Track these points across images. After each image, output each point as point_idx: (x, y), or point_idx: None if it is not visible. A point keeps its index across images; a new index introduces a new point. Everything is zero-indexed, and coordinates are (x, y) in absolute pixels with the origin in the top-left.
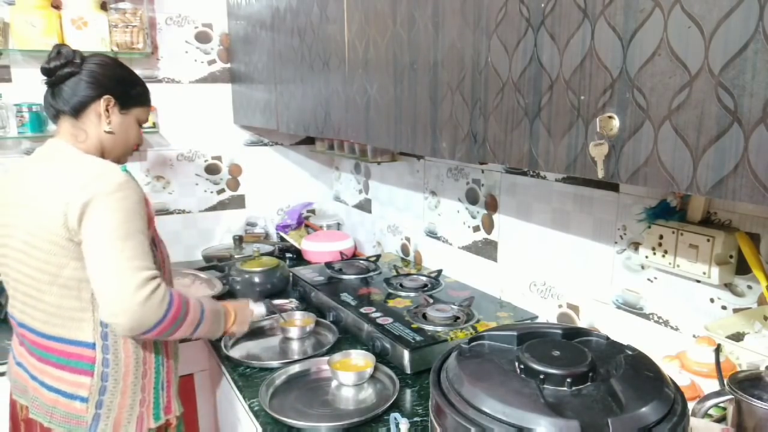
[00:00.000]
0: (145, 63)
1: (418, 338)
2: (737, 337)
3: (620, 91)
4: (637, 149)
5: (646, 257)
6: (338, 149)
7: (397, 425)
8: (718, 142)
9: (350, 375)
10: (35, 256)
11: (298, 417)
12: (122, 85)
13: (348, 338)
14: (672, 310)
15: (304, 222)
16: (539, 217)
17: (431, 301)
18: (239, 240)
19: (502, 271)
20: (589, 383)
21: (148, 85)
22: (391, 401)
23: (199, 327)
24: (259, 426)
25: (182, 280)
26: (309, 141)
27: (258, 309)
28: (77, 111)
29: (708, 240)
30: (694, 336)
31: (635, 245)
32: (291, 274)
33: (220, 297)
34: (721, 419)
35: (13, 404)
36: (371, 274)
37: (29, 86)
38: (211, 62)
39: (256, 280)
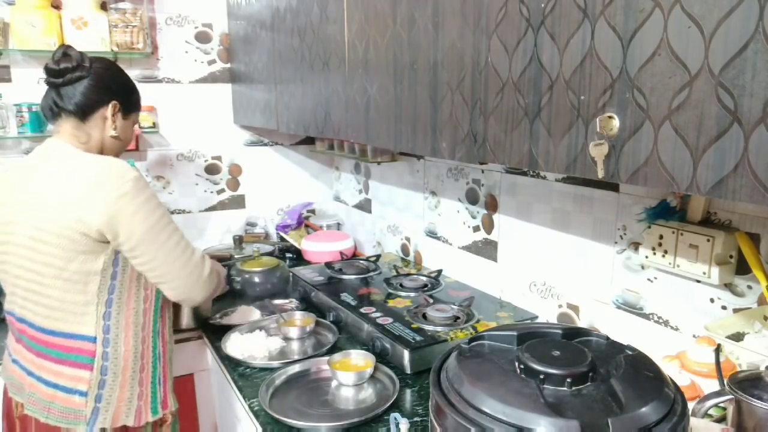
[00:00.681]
0: (145, 63)
1: (418, 338)
2: (737, 337)
3: (620, 91)
4: (637, 149)
5: (646, 257)
6: (338, 149)
7: (397, 425)
8: (718, 142)
9: (350, 375)
10: (41, 251)
11: (298, 417)
12: (126, 90)
13: (348, 338)
14: (672, 310)
15: (304, 222)
16: (539, 217)
17: (431, 301)
18: (239, 240)
19: (502, 271)
20: (589, 383)
21: (149, 85)
22: (391, 401)
23: (219, 286)
24: (259, 426)
25: None
26: (309, 141)
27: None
28: (85, 114)
29: (708, 240)
30: (694, 336)
31: (635, 245)
32: (291, 274)
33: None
34: (721, 419)
35: (8, 402)
36: (371, 274)
37: (29, 86)
38: (211, 62)
39: (256, 280)
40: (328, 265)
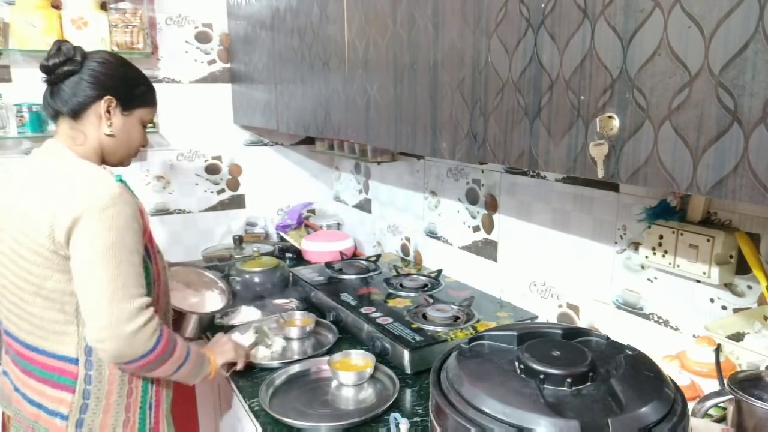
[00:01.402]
0: (145, 63)
1: (418, 338)
2: (737, 337)
3: (620, 91)
4: (637, 149)
5: (646, 257)
6: (338, 149)
7: (397, 425)
8: (718, 142)
9: (350, 375)
10: (20, 265)
11: (298, 417)
12: (125, 84)
13: (348, 338)
14: (672, 310)
15: (304, 222)
16: (539, 217)
17: (431, 301)
18: (239, 240)
19: (502, 271)
20: (589, 383)
21: None
22: (391, 401)
23: (182, 368)
24: (259, 426)
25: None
26: (309, 141)
27: (243, 339)
28: (76, 112)
29: (708, 240)
30: (694, 336)
31: (635, 245)
32: (291, 274)
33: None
34: (721, 419)
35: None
36: (371, 274)
37: (29, 86)
38: (211, 62)
39: (256, 280)
40: (328, 265)
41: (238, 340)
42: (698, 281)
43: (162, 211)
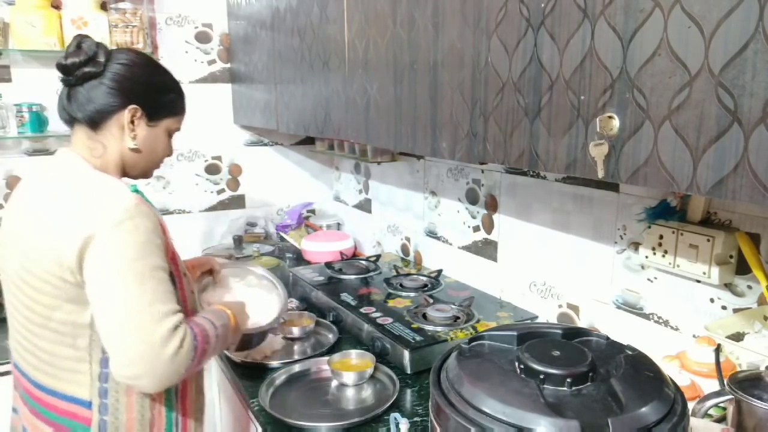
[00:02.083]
0: None
1: (418, 338)
2: (737, 337)
3: (620, 91)
4: (637, 149)
5: (646, 257)
6: (338, 149)
7: (397, 425)
8: (718, 142)
9: (350, 375)
10: (27, 294)
11: (299, 417)
12: (152, 91)
13: (348, 338)
14: (672, 310)
15: (304, 222)
16: (539, 217)
17: (431, 301)
18: (239, 240)
19: (502, 271)
20: (589, 383)
21: None
22: (391, 401)
23: (215, 352)
24: (259, 426)
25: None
26: (309, 141)
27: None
28: (95, 121)
29: (708, 240)
30: (694, 336)
31: (635, 245)
32: (291, 274)
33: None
34: (721, 419)
35: None
36: (371, 274)
37: (29, 86)
38: (211, 62)
39: None
40: (328, 265)
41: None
42: (698, 281)
43: (162, 211)
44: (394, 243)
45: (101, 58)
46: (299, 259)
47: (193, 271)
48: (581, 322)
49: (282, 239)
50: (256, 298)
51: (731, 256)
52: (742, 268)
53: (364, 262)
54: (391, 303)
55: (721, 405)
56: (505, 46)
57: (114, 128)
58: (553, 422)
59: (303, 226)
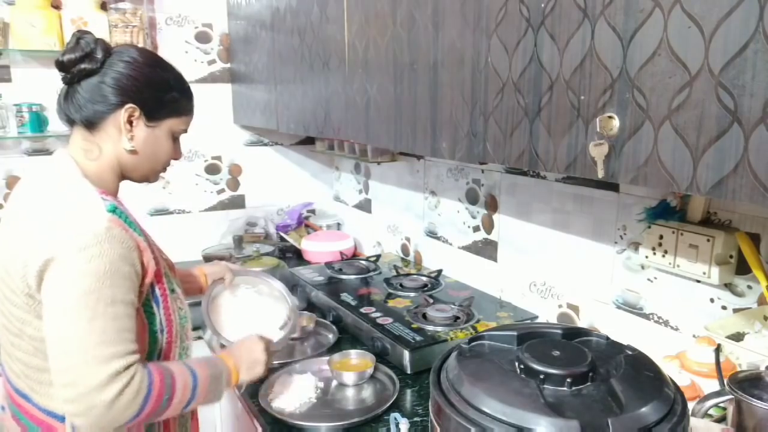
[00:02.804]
0: None
1: (418, 338)
2: (737, 337)
3: (620, 91)
4: (637, 149)
5: (646, 257)
6: (338, 149)
7: (397, 425)
8: (718, 142)
9: (350, 375)
10: (4, 304)
11: (299, 417)
12: (151, 89)
13: (348, 338)
14: (672, 310)
15: (304, 222)
16: (539, 217)
17: (431, 301)
18: (239, 240)
19: (502, 271)
20: (589, 383)
21: None
22: (391, 401)
23: (191, 403)
24: (259, 426)
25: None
26: (309, 141)
27: (276, 335)
28: (91, 122)
29: (708, 240)
30: (694, 336)
31: (635, 245)
32: (291, 274)
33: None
34: (721, 419)
35: None
36: (371, 274)
37: (29, 86)
38: (211, 62)
39: None
40: (328, 265)
41: (275, 338)
42: (698, 281)
43: (162, 211)
44: (394, 243)
45: (99, 55)
46: (299, 259)
47: (205, 278)
48: (581, 322)
49: (282, 239)
50: (265, 308)
51: (731, 256)
52: (742, 268)
53: (364, 262)
54: (391, 303)
55: (721, 405)
56: (505, 46)
57: (111, 129)
58: (553, 422)
59: (303, 226)
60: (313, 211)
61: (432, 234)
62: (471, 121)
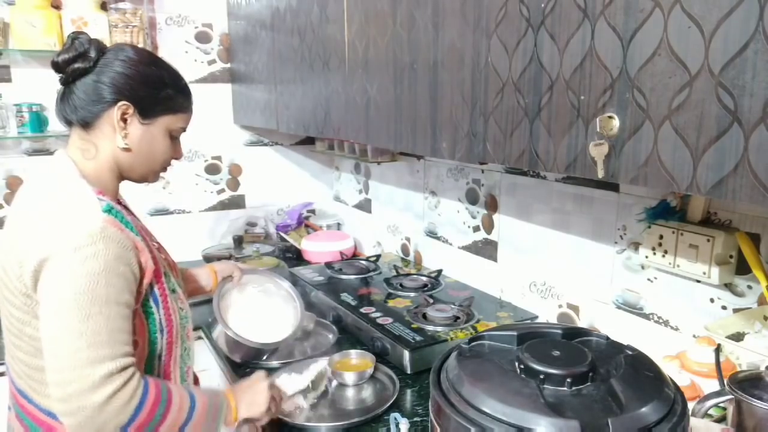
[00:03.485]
0: None
1: (418, 338)
2: (737, 337)
3: (620, 91)
4: (637, 149)
5: (646, 257)
6: (338, 149)
7: (397, 425)
8: (718, 142)
9: (350, 375)
10: (4, 304)
11: (298, 417)
12: (145, 86)
13: (348, 338)
14: (672, 310)
15: (304, 222)
16: (539, 217)
17: (431, 301)
18: (239, 240)
19: (502, 271)
20: (589, 383)
21: None
22: (391, 401)
23: (187, 426)
24: (259, 426)
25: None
26: (309, 141)
27: (292, 381)
28: (87, 121)
29: (708, 240)
30: (694, 336)
31: (635, 245)
32: (291, 274)
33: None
34: (721, 419)
35: None
36: (371, 274)
37: (29, 86)
38: (211, 62)
39: None
40: (328, 265)
41: (283, 383)
42: (698, 281)
43: (162, 211)
44: (394, 243)
45: (92, 54)
46: (299, 259)
47: (215, 276)
48: (581, 322)
49: (282, 239)
50: (272, 307)
51: (731, 256)
52: (742, 268)
53: (364, 262)
54: (391, 303)
55: (721, 405)
56: (505, 46)
57: (106, 127)
58: (553, 422)
59: (303, 226)
60: (313, 211)
61: (432, 234)
62: (471, 121)
